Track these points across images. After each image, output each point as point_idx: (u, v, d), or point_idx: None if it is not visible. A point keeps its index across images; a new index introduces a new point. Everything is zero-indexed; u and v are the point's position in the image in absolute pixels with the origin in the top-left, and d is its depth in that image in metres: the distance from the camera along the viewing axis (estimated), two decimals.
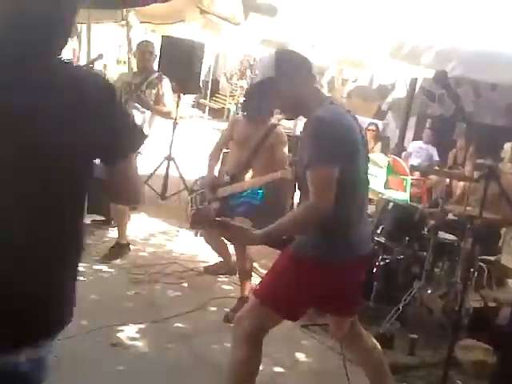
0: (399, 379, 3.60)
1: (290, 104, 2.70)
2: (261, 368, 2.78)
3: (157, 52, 6.22)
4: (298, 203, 2.71)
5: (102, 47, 15.78)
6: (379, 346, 2.99)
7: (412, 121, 11.92)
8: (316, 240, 2.56)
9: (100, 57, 5.62)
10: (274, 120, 4.36)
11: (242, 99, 16.19)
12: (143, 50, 5.66)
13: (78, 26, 12.78)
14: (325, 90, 14.64)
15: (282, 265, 2.72)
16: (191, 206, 4.76)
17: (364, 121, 9.49)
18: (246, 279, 4.44)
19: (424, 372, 3.82)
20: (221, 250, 5.02)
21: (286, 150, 4.52)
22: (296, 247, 2.65)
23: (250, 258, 4.48)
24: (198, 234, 4.46)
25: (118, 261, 5.13)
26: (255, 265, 5.32)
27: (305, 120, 2.71)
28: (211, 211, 2.78)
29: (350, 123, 2.60)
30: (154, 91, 5.41)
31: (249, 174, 4.50)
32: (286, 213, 2.84)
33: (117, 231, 5.39)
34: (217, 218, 2.76)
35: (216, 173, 4.70)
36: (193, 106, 17.82)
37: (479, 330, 4.13)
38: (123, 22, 9.53)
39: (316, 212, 2.47)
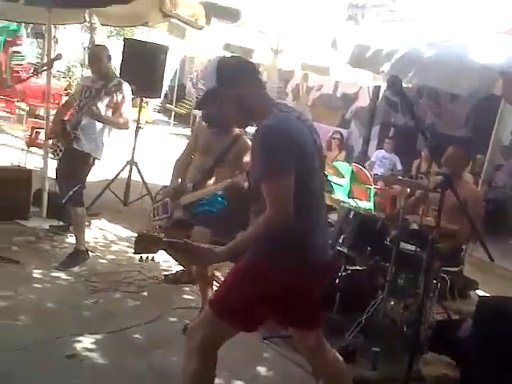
0: None
1: (236, 113, 2.62)
2: (219, 381, 2.71)
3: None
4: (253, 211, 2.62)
5: (67, 49, 15.65)
6: (342, 360, 2.93)
7: (376, 130, 12.05)
8: (267, 245, 2.49)
9: (59, 57, 5.51)
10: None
11: None
12: (94, 54, 5.50)
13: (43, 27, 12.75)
14: (289, 98, 14.73)
15: (235, 274, 2.65)
16: (154, 216, 4.67)
17: (328, 129, 9.51)
18: (207, 289, 4.36)
19: None
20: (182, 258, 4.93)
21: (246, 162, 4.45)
22: (248, 254, 2.58)
23: (211, 267, 4.41)
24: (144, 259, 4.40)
25: (76, 268, 5.01)
26: (217, 274, 5.27)
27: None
28: (157, 235, 2.68)
29: (300, 128, 2.53)
30: (112, 97, 5.24)
31: (211, 182, 4.44)
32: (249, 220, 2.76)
33: (74, 237, 5.27)
34: (165, 239, 2.66)
35: (179, 181, 4.62)
36: (158, 111, 17.69)
37: (442, 343, 4.11)
38: (87, 24, 9.45)
39: (275, 224, 2.42)
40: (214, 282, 4.58)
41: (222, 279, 5.04)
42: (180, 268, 5.15)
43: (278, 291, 2.52)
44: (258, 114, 2.55)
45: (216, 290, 2.84)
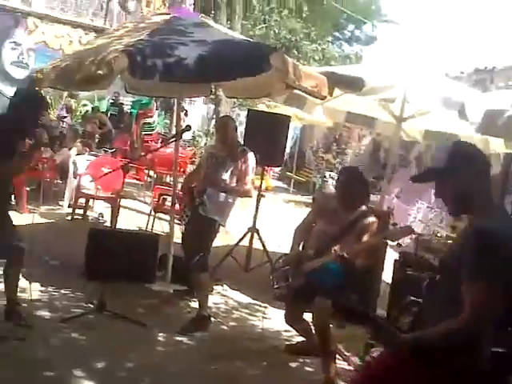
0: None
1: (455, 199, 2.57)
2: None
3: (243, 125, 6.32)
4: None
5: (192, 120, 16.44)
6: None
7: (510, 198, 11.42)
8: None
9: (188, 128, 5.78)
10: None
11: (328, 173, 16.23)
12: (222, 125, 5.75)
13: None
14: (413, 166, 14.45)
15: (385, 364, 2.57)
16: (273, 284, 4.68)
17: None
18: (330, 362, 4.24)
19: None
20: (303, 329, 4.85)
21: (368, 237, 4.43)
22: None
23: (333, 340, 4.29)
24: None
25: (198, 333, 5.06)
26: (339, 347, 5.12)
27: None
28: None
29: None
30: (237, 166, 5.39)
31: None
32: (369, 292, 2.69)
33: (198, 303, 5.35)
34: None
35: (300, 248, 4.62)
36: (278, 179, 17.96)
37: None
38: (212, 96, 9.89)
39: (470, 328, 2.36)
40: (338, 356, 4.46)
41: (345, 352, 4.93)
42: (301, 339, 5.05)
43: None
44: (477, 207, 2.51)
45: (358, 374, 2.74)
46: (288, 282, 4.51)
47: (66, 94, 17.14)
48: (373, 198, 8.13)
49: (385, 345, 2.79)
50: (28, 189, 9.07)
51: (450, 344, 2.38)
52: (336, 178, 4.86)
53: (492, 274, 2.33)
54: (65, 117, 14.55)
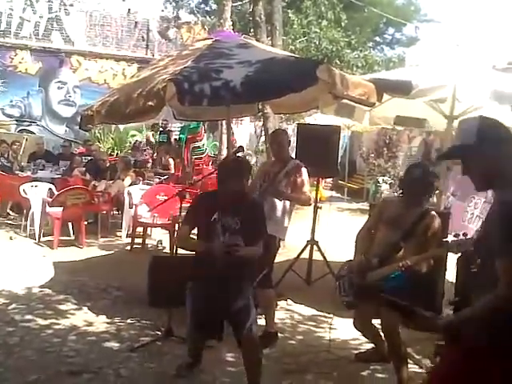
0: None
1: (482, 175, 2.55)
2: None
3: (293, 139, 6.35)
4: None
5: (241, 138, 16.55)
6: None
7: None
8: (491, 331, 2.37)
9: (240, 149, 5.85)
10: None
11: (381, 178, 16.06)
12: (276, 139, 5.78)
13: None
14: None
15: (453, 364, 2.54)
16: (339, 292, 4.67)
17: None
18: (402, 367, 4.21)
19: None
20: (373, 335, 4.83)
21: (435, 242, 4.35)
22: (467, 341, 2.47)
23: (403, 344, 4.26)
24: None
25: (267, 350, 5.06)
26: (409, 350, 5.06)
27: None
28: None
29: None
30: (291, 179, 5.45)
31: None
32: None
33: (264, 319, 5.37)
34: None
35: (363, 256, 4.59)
36: (330, 189, 17.89)
37: None
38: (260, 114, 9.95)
39: (505, 304, 2.33)
40: (409, 360, 4.41)
41: (415, 356, 4.88)
42: (371, 346, 5.02)
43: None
44: (504, 182, 2.49)
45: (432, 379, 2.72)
46: (354, 289, 4.50)
47: (113, 127, 17.59)
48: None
49: (427, 329, 2.83)
50: (86, 223, 9.31)
51: (488, 323, 2.36)
52: (403, 175, 4.78)
53: None
54: (145, 150, 14.92)
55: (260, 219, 4.28)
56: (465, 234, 3.48)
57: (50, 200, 8.97)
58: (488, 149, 2.47)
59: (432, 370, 2.72)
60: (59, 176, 11.16)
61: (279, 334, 5.40)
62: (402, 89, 5.36)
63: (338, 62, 16.40)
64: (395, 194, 9.29)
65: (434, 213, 4.45)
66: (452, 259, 6.02)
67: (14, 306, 5.92)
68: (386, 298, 2.86)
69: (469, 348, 2.45)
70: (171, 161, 13.43)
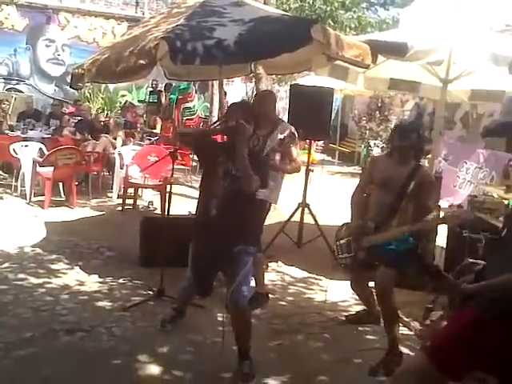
0: None
1: None
2: None
3: (286, 102, 6.28)
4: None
5: (232, 99, 16.38)
6: None
7: None
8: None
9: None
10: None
11: (372, 142, 16.02)
12: (262, 100, 5.62)
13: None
14: (458, 127, 14.16)
15: (460, 324, 2.55)
16: (337, 254, 4.69)
17: (504, 157, 8.95)
18: (393, 328, 4.24)
19: None
20: (366, 298, 4.86)
21: (432, 195, 4.36)
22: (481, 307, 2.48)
23: (395, 306, 4.29)
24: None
25: (257, 311, 5.09)
26: (399, 313, 5.11)
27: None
28: None
29: None
30: (282, 146, 5.36)
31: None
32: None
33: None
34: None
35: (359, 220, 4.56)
36: (322, 152, 17.85)
37: None
38: (252, 75, 9.81)
39: None
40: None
41: (405, 319, 4.93)
42: (361, 307, 5.07)
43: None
44: None
45: (435, 338, 2.73)
46: (351, 253, 4.51)
47: (103, 87, 17.36)
48: (422, 162, 8.03)
49: (450, 297, 2.83)
50: (76, 183, 9.27)
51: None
52: (392, 131, 4.71)
53: None
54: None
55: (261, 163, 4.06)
56: (459, 206, 3.48)
57: (41, 160, 8.89)
58: None
59: (437, 335, 2.71)
60: (49, 136, 11.04)
61: (270, 296, 5.43)
62: (398, 50, 5.28)
63: (331, 22, 16.17)
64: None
65: (424, 168, 4.44)
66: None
67: (6, 264, 5.93)
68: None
69: (484, 320, 2.46)
70: (158, 120, 13.32)
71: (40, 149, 9.44)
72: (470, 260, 3.04)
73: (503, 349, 2.43)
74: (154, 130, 13.28)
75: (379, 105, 16.76)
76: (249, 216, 3.93)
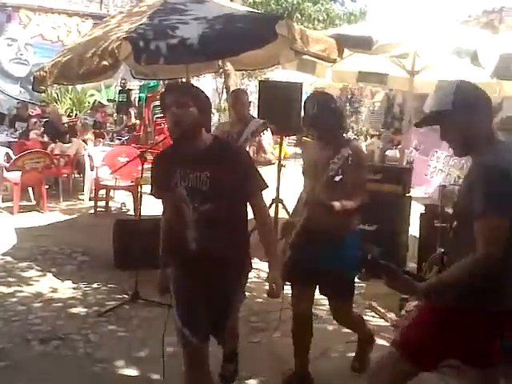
0: None
1: (460, 140, 2.55)
2: None
3: (255, 96, 6.27)
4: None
5: None
6: None
7: None
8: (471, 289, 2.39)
9: None
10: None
11: None
12: (236, 99, 5.70)
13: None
14: None
15: (430, 315, 2.56)
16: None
17: None
18: (359, 323, 4.19)
19: None
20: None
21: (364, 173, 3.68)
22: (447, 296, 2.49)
23: (356, 319, 4.22)
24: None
25: None
26: (374, 304, 5.13)
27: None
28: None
29: None
30: (254, 140, 5.39)
31: None
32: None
33: None
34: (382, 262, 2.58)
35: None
36: (294, 145, 17.87)
37: None
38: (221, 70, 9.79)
39: (484, 265, 2.34)
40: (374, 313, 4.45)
41: (379, 309, 4.94)
42: None
43: (478, 333, 2.45)
44: (482, 147, 2.48)
45: (402, 331, 2.73)
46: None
47: (71, 87, 17.05)
48: (393, 152, 8.08)
49: (404, 292, 2.94)
50: (47, 187, 9.13)
51: (468, 284, 2.38)
52: (304, 110, 3.80)
53: (499, 207, 2.30)
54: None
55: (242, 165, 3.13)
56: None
57: (8, 165, 8.74)
58: (465, 113, 2.46)
59: (405, 328, 2.72)
60: (16, 139, 10.86)
61: (247, 293, 5.39)
62: (363, 44, 5.31)
63: (298, 15, 16.18)
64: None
65: (353, 142, 3.92)
66: (415, 214, 6.15)
67: None
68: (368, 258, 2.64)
69: (447, 309, 2.46)
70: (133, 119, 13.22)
71: (6, 153, 9.27)
72: (442, 250, 3.04)
73: (468, 334, 2.44)
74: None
75: (349, 97, 16.86)
76: (236, 241, 3.18)
